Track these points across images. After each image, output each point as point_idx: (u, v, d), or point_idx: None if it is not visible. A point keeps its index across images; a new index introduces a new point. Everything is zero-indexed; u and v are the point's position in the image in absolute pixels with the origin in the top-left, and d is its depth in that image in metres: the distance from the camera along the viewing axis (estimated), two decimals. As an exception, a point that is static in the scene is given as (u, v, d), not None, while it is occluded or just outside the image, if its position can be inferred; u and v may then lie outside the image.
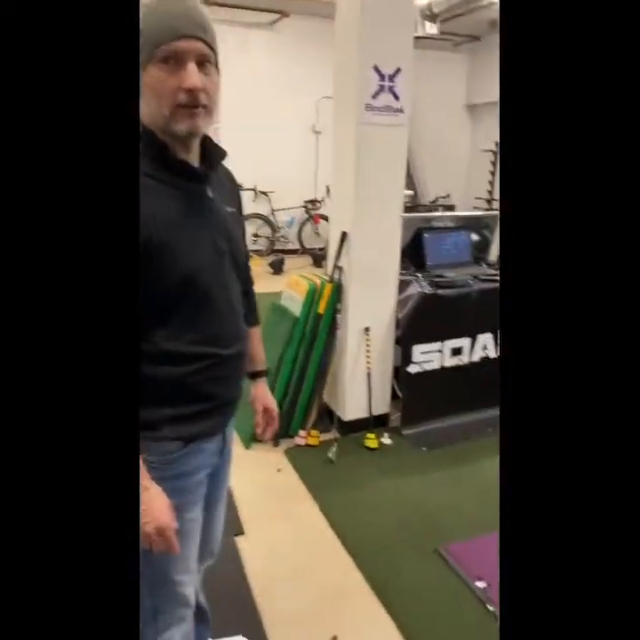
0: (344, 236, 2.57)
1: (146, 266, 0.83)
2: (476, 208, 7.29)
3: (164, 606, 1.08)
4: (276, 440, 2.63)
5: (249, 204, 6.76)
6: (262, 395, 1.33)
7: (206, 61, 0.89)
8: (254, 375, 1.32)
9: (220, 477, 1.22)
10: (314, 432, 2.66)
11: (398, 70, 2.39)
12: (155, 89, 0.88)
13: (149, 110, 0.90)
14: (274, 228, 7.04)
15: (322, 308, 2.64)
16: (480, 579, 1.80)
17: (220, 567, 1.53)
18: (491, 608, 1.70)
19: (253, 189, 6.83)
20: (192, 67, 0.87)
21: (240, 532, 2.04)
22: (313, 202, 7.13)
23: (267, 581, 1.83)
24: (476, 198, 7.61)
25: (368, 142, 2.41)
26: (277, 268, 6.25)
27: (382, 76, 2.37)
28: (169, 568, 1.04)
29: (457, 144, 8.15)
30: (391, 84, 2.39)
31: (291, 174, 6.94)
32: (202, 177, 0.96)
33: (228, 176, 1.12)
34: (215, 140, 1.01)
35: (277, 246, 7.10)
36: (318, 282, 2.68)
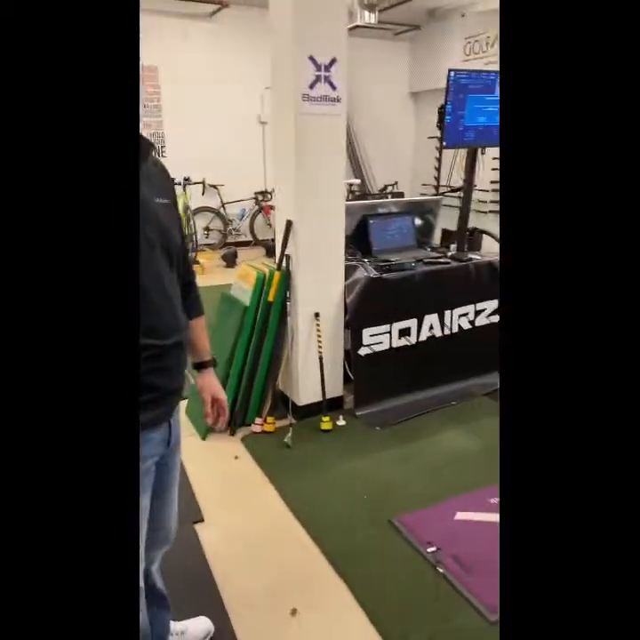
0: (289, 224, 2.61)
1: None
2: (423, 194, 7.44)
3: None
4: (232, 429, 2.67)
5: (198, 198, 6.70)
6: (209, 384, 1.34)
7: None
8: (200, 365, 1.34)
9: (170, 466, 1.24)
10: (270, 419, 2.71)
11: (334, 60, 2.44)
12: None
13: None
14: (225, 220, 7.01)
15: (271, 296, 2.68)
16: (430, 544, 1.90)
17: (179, 554, 1.57)
18: (440, 570, 1.80)
19: (202, 183, 6.78)
20: None
21: (199, 520, 2.07)
22: (263, 193, 7.13)
23: (227, 565, 1.88)
24: (423, 185, 7.77)
25: (306, 132, 2.46)
26: (230, 260, 6.24)
27: (318, 66, 2.41)
28: None
29: (402, 132, 8.28)
30: (327, 73, 2.44)
31: (239, 166, 6.91)
32: None
33: (160, 168, 1.14)
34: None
35: (230, 239, 7.08)
36: (267, 270, 2.72)
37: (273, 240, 6.69)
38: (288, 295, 2.71)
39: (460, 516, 2.05)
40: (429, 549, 1.88)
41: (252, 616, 1.68)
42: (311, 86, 2.42)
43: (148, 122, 6.07)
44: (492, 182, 6.51)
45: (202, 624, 1.58)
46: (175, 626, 1.53)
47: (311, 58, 2.39)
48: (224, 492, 2.28)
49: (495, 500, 2.11)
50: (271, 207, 6.94)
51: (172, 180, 1.19)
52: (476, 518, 2.03)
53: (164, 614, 1.46)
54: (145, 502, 1.11)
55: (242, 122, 6.91)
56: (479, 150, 3.21)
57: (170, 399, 1.11)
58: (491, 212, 6.60)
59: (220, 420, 1.36)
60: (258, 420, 2.72)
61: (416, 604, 1.69)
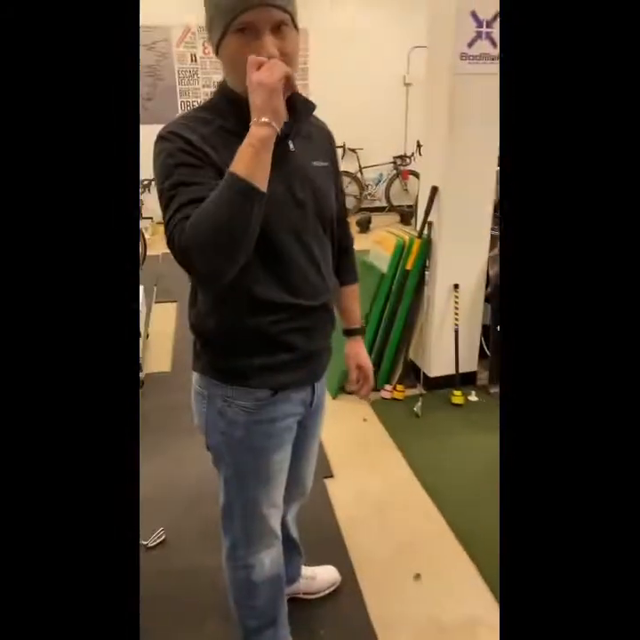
0: (434, 191, 2.54)
1: None
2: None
3: (254, 534, 1.21)
4: (362, 392, 2.72)
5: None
6: (356, 352, 1.33)
7: (283, 25, 0.89)
8: (349, 332, 1.34)
9: (310, 429, 1.27)
10: (399, 386, 2.73)
11: (497, 14, 2.28)
12: (233, 59, 0.90)
13: (231, 77, 0.95)
14: (361, 185, 6.99)
15: (410, 265, 2.65)
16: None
17: (311, 506, 1.66)
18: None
19: (342, 147, 6.79)
20: (268, 38, 0.87)
21: (329, 475, 2.16)
22: (402, 157, 6.97)
23: (354, 522, 1.95)
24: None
25: (463, 93, 2.35)
26: (364, 226, 6.24)
27: (480, 23, 2.27)
28: (257, 501, 1.16)
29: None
30: (489, 30, 2.29)
31: (380, 129, 6.80)
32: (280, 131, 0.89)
33: (323, 131, 1.13)
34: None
35: (364, 204, 7.06)
36: (407, 238, 2.69)
37: (409, 207, 6.62)
38: (427, 264, 2.66)
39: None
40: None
41: (376, 573, 1.74)
42: (470, 44, 2.29)
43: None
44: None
45: (329, 573, 1.67)
46: (305, 570, 1.63)
47: (473, 13, 2.26)
48: (353, 452, 2.35)
49: None
50: (410, 172, 6.79)
51: (333, 143, 1.18)
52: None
53: (297, 559, 1.56)
54: (284, 456, 1.16)
55: (386, 84, 6.76)
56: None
57: (311, 362, 1.11)
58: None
59: (364, 388, 1.36)
60: (387, 387, 2.74)
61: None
